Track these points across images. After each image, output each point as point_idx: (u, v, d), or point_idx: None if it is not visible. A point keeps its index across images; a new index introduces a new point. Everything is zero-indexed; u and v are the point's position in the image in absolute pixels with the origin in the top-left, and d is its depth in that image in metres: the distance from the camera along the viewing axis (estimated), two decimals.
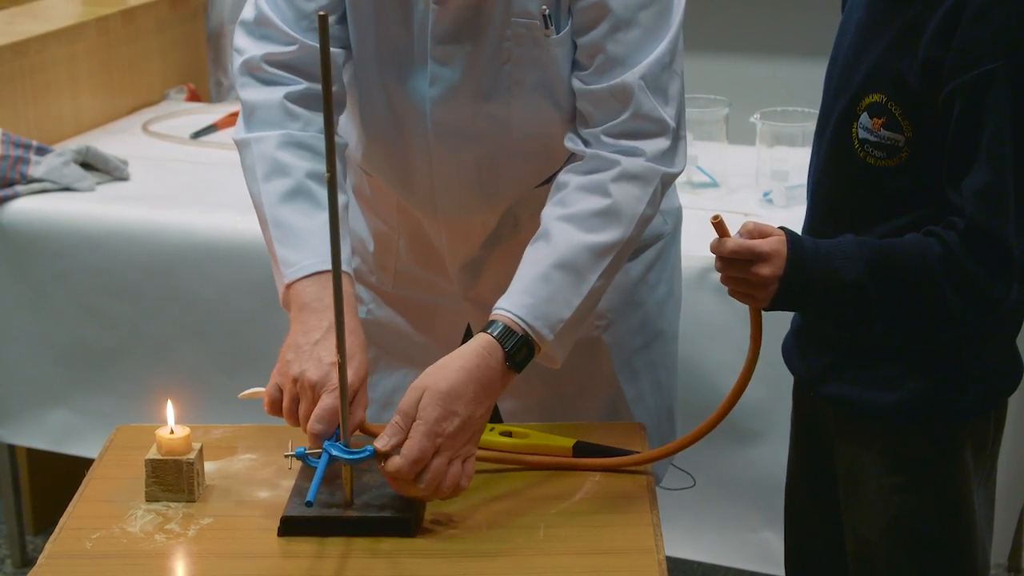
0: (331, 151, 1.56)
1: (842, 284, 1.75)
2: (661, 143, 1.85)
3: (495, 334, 1.76)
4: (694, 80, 3.64)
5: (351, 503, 1.71)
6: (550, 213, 1.85)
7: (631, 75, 1.83)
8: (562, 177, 1.88)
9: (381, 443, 1.69)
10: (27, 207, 3.01)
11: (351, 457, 1.69)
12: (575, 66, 1.88)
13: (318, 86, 1.89)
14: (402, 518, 1.69)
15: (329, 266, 1.77)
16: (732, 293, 1.80)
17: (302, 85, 1.91)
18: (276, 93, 1.91)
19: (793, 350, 1.97)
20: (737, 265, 1.76)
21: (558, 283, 1.80)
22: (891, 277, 1.74)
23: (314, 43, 1.88)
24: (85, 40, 3.48)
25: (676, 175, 1.90)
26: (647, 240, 2.09)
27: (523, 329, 1.77)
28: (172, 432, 1.78)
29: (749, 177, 2.95)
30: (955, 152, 1.73)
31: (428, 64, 1.90)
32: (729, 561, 2.75)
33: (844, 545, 1.95)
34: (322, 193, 1.87)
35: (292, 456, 1.72)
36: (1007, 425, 1.93)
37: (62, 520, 1.76)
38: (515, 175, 1.97)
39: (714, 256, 1.78)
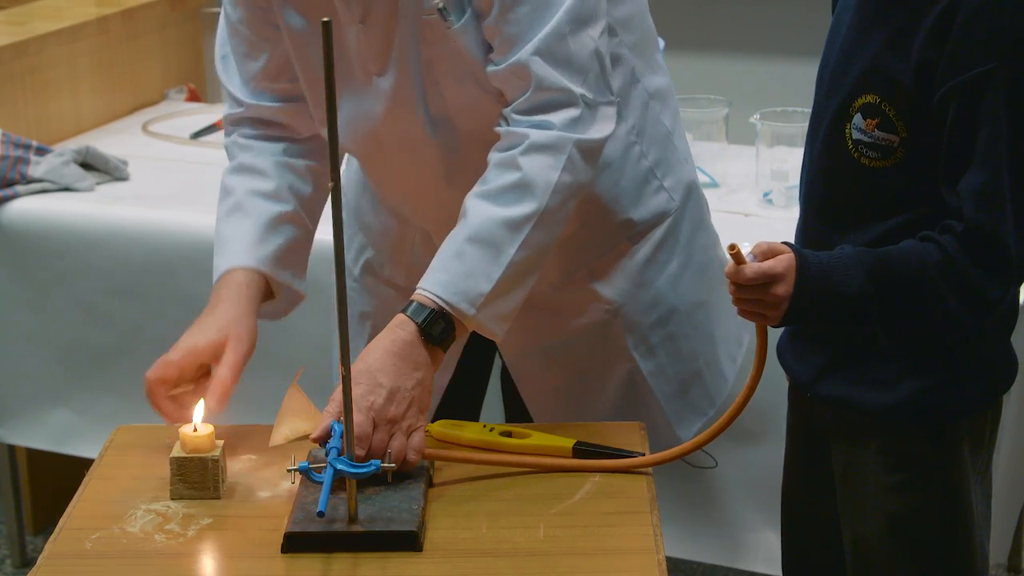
0: (335, 160, 1.57)
1: (846, 296, 1.75)
2: (571, 112, 1.86)
3: (407, 312, 1.81)
4: (694, 80, 3.65)
5: (355, 517, 1.70)
6: (470, 193, 1.87)
7: (525, 52, 1.83)
8: (488, 157, 1.90)
9: (315, 435, 1.76)
10: (27, 207, 3.01)
11: (356, 471, 1.68)
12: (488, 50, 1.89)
13: (271, 131, 2.08)
14: (409, 532, 1.67)
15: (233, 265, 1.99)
16: (743, 313, 1.80)
17: (257, 131, 2.09)
18: (232, 135, 2.11)
19: (788, 351, 1.97)
20: (754, 288, 1.76)
21: (473, 258, 1.82)
22: (893, 286, 1.75)
23: (259, 103, 2.06)
24: (85, 40, 3.48)
25: (595, 142, 1.88)
26: (652, 220, 2.09)
27: (436, 304, 1.80)
28: (196, 430, 1.78)
29: (749, 177, 2.95)
30: (951, 153, 1.74)
31: (372, 84, 1.94)
32: (729, 561, 2.74)
33: (842, 545, 1.96)
34: (254, 204, 2.03)
35: (295, 470, 1.71)
36: (1006, 426, 1.93)
37: (62, 520, 1.76)
38: (481, 168, 1.98)
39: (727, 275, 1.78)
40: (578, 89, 1.85)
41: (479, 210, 1.84)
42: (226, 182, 2.08)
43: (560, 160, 1.85)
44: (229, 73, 2.07)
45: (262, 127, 2.09)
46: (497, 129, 1.89)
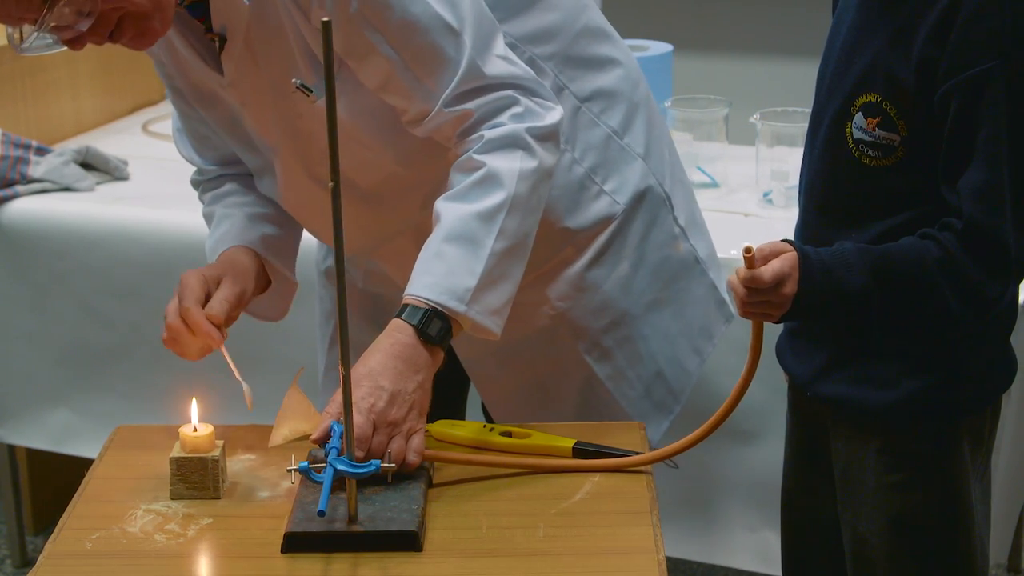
0: (335, 160, 1.57)
1: (848, 294, 1.75)
2: (515, 109, 1.88)
3: (401, 316, 1.82)
4: (694, 80, 3.65)
5: (355, 517, 1.70)
6: (439, 199, 1.89)
7: (445, 100, 1.85)
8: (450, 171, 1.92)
9: (315, 435, 1.76)
10: (27, 207, 3.01)
11: (356, 471, 1.68)
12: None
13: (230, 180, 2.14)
14: (409, 532, 1.67)
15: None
16: (745, 313, 1.79)
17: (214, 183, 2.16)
18: (199, 189, 2.18)
19: (787, 350, 1.97)
20: (764, 291, 1.76)
21: (453, 256, 1.83)
22: (893, 282, 1.75)
23: (215, 167, 2.13)
24: None
25: (548, 127, 1.90)
26: (594, 227, 2.09)
27: (428, 304, 1.81)
28: (195, 430, 1.79)
29: (749, 177, 2.95)
30: (951, 151, 1.74)
31: (271, 158, 2.01)
32: (729, 561, 2.75)
33: (841, 544, 1.96)
34: (237, 209, 2.09)
35: (295, 470, 1.71)
36: (1006, 426, 1.94)
37: (62, 520, 1.76)
38: (398, 212, 2.01)
39: (730, 279, 1.77)
40: (510, 92, 1.88)
41: (450, 211, 1.85)
42: (205, 212, 2.14)
43: (518, 149, 1.86)
44: (184, 145, 2.15)
45: (225, 179, 2.15)
46: (453, 152, 1.91)
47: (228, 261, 2.01)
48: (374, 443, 1.75)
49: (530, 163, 1.87)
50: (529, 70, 1.92)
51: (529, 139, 1.87)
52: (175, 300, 1.93)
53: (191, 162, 2.15)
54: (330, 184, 1.57)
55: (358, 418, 1.73)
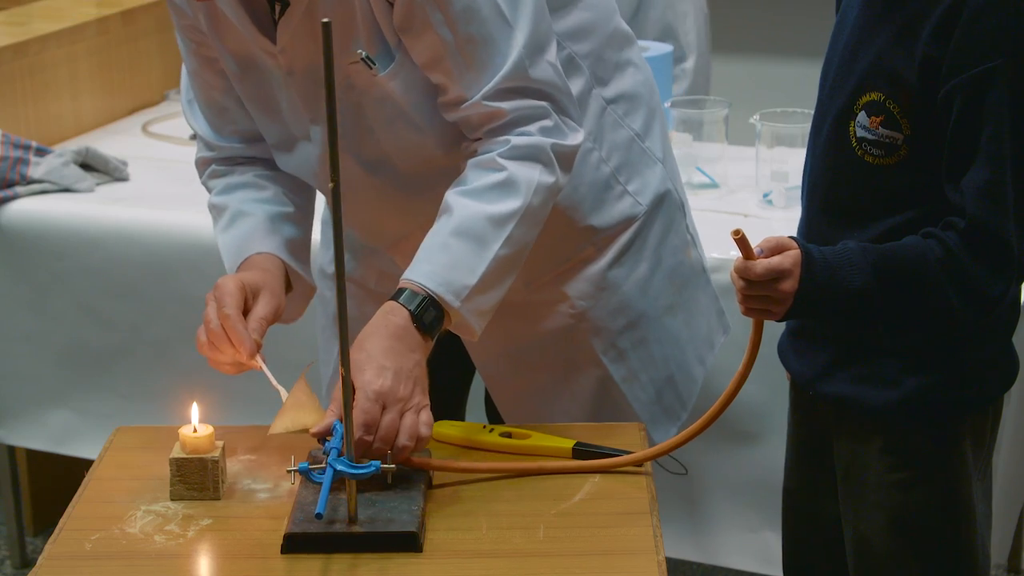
0: (335, 160, 1.57)
1: (851, 292, 1.76)
2: (545, 123, 1.89)
3: (398, 299, 1.82)
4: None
5: (355, 518, 1.70)
6: (450, 191, 1.89)
7: (487, 92, 1.86)
8: (463, 164, 1.92)
9: (315, 429, 1.75)
10: (27, 208, 3.01)
11: (356, 472, 1.68)
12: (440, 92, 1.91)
13: (246, 164, 2.11)
14: (409, 532, 1.68)
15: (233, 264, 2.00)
16: (748, 311, 1.79)
17: (232, 165, 2.12)
18: (207, 171, 2.13)
19: (789, 349, 1.97)
20: (762, 285, 1.76)
21: (458, 251, 1.83)
22: (896, 282, 1.75)
23: (229, 143, 2.09)
24: (85, 40, 3.48)
25: (570, 147, 1.91)
26: (616, 226, 2.10)
27: (426, 292, 1.81)
28: (195, 431, 1.79)
29: (749, 178, 2.95)
30: (954, 150, 1.74)
31: (310, 132, 1.98)
32: (729, 561, 2.75)
33: (842, 544, 1.96)
34: (254, 208, 2.03)
35: (295, 471, 1.71)
36: (1006, 425, 1.94)
37: (62, 521, 1.76)
38: (430, 200, 2.00)
39: (731, 271, 1.77)
40: (546, 103, 1.89)
41: (463, 206, 1.86)
42: (215, 202, 2.08)
43: (539, 162, 1.88)
44: (196, 117, 2.11)
45: (236, 163, 2.11)
46: (472, 145, 1.91)
47: (263, 271, 1.97)
48: (386, 421, 1.74)
49: (548, 178, 1.88)
50: (568, 86, 1.93)
51: (552, 155, 1.88)
52: (213, 305, 1.89)
53: (202, 137, 2.10)
54: (330, 184, 1.57)
55: (364, 403, 1.72)
